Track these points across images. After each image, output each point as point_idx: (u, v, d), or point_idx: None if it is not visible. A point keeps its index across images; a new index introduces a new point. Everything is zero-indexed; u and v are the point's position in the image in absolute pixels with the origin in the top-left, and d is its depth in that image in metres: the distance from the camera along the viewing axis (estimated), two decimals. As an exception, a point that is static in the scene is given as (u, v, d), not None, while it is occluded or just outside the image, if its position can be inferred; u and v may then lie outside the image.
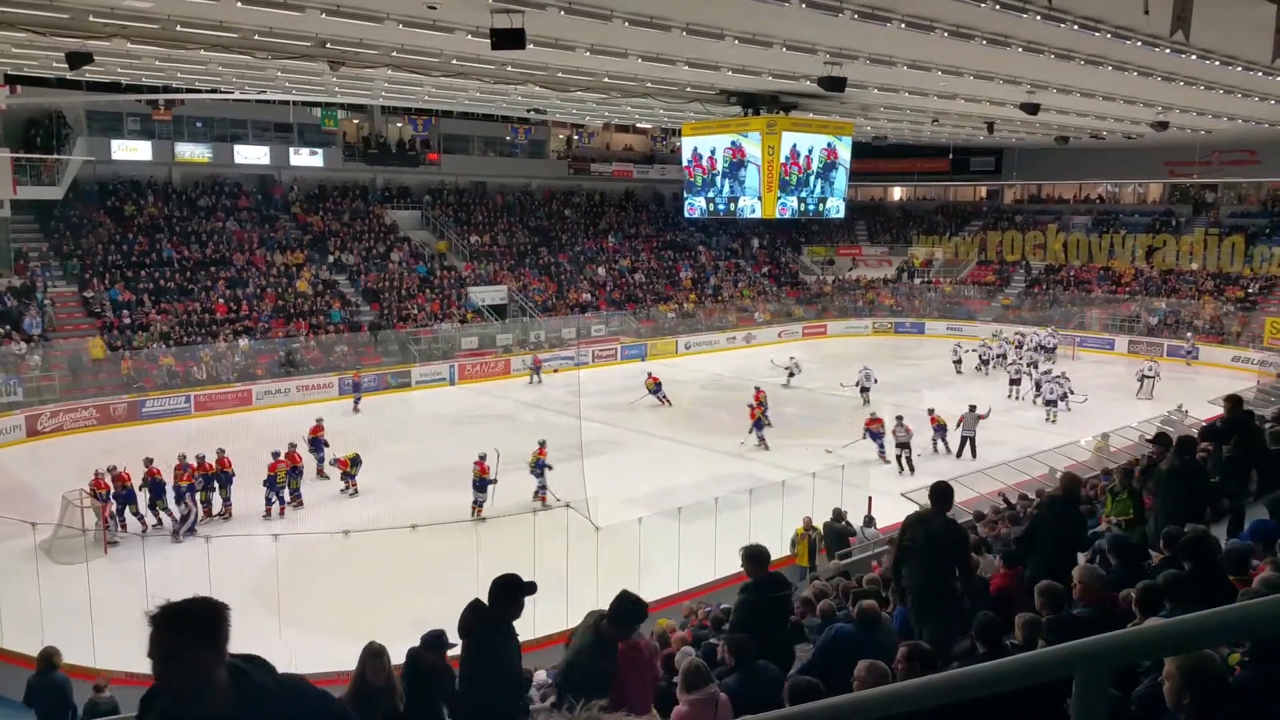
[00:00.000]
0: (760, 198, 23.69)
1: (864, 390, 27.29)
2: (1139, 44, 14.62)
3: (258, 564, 14.17)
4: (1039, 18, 12.98)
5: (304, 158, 36.81)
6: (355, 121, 39.14)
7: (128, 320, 28.36)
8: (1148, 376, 28.20)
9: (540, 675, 8.72)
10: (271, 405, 27.20)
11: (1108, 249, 42.45)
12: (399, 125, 39.65)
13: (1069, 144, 34.99)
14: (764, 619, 5.85)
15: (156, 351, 27.55)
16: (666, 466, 20.94)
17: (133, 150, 32.94)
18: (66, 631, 11.36)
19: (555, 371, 32.55)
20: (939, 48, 15.79)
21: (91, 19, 14.44)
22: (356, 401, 27.70)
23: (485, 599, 4.82)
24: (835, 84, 18.31)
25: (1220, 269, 39.11)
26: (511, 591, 4.63)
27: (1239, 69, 17.30)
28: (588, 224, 44.13)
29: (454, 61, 18.50)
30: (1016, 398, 26.59)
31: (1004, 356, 32.57)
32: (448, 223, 39.43)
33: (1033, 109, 23.23)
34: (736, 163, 23.65)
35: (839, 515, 15.26)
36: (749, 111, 23.52)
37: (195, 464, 17.57)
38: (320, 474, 19.97)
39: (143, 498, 17.11)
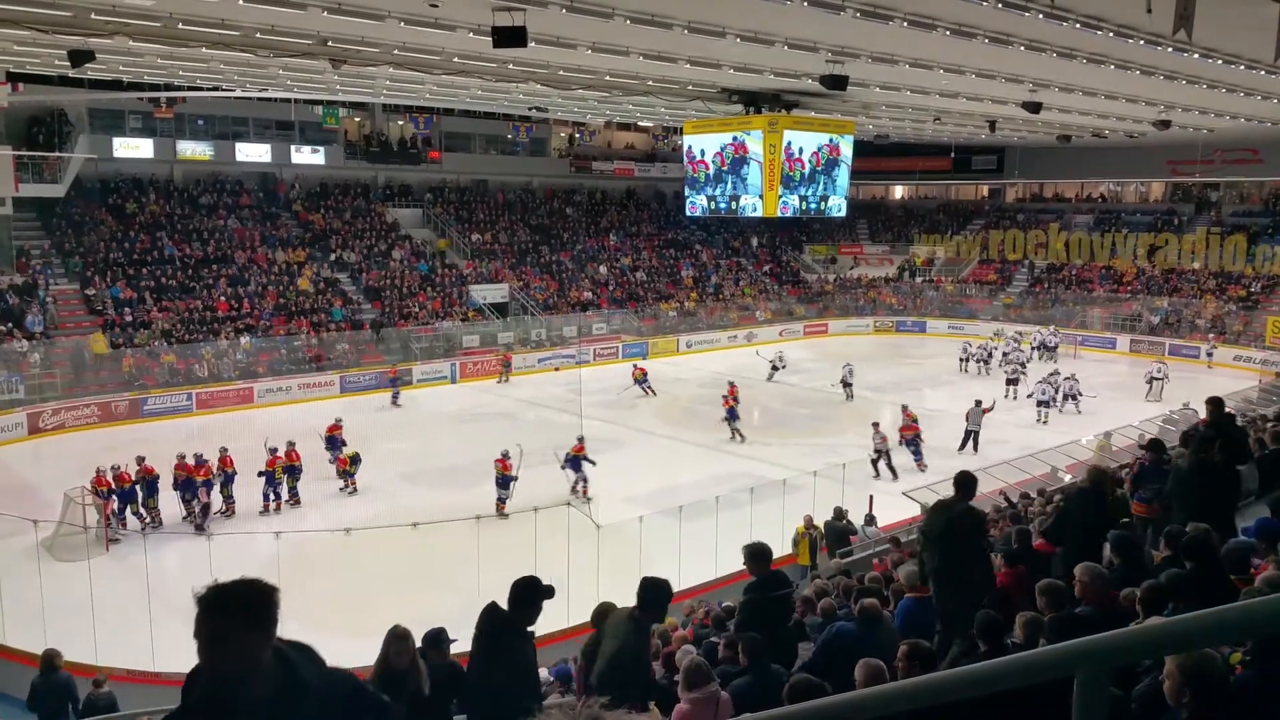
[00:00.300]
0: (762, 196, 23.69)
1: (846, 385, 27.74)
2: (1141, 43, 14.61)
3: (259, 562, 14.16)
4: (1041, 16, 12.98)
5: (305, 155, 36.83)
6: (357, 119, 39.15)
7: (129, 318, 28.38)
8: (1156, 378, 27.88)
9: (542, 673, 8.70)
10: (273, 403, 27.23)
11: (1109, 248, 42.40)
12: (400, 123, 39.66)
13: (1071, 143, 34.98)
14: (767, 617, 5.86)
15: (158, 349, 27.57)
16: (667, 465, 20.95)
17: (134, 148, 32.98)
18: (68, 629, 11.40)
19: (557, 370, 32.57)
20: (941, 46, 15.78)
21: (93, 17, 14.47)
22: (395, 396, 28.00)
23: (488, 599, 4.82)
24: (837, 82, 18.29)
25: (1222, 268, 39.07)
26: (531, 594, 4.65)
27: (1241, 68, 17.29)
28: (589, 222, 44.13)
29: (455, 59, 18.51)
30: (1014, 398, 26.51)
31: (989, 358, 32.32)
32: (449, 221, 39.44)
33: (1035, 108, 23.20)
34: (739, 159, 23.64)
35: (840, 514, 15.25)
36: (751, 110, 23.52)
37: (194, 464, 17.56)
38: (339, 474, 19.92)
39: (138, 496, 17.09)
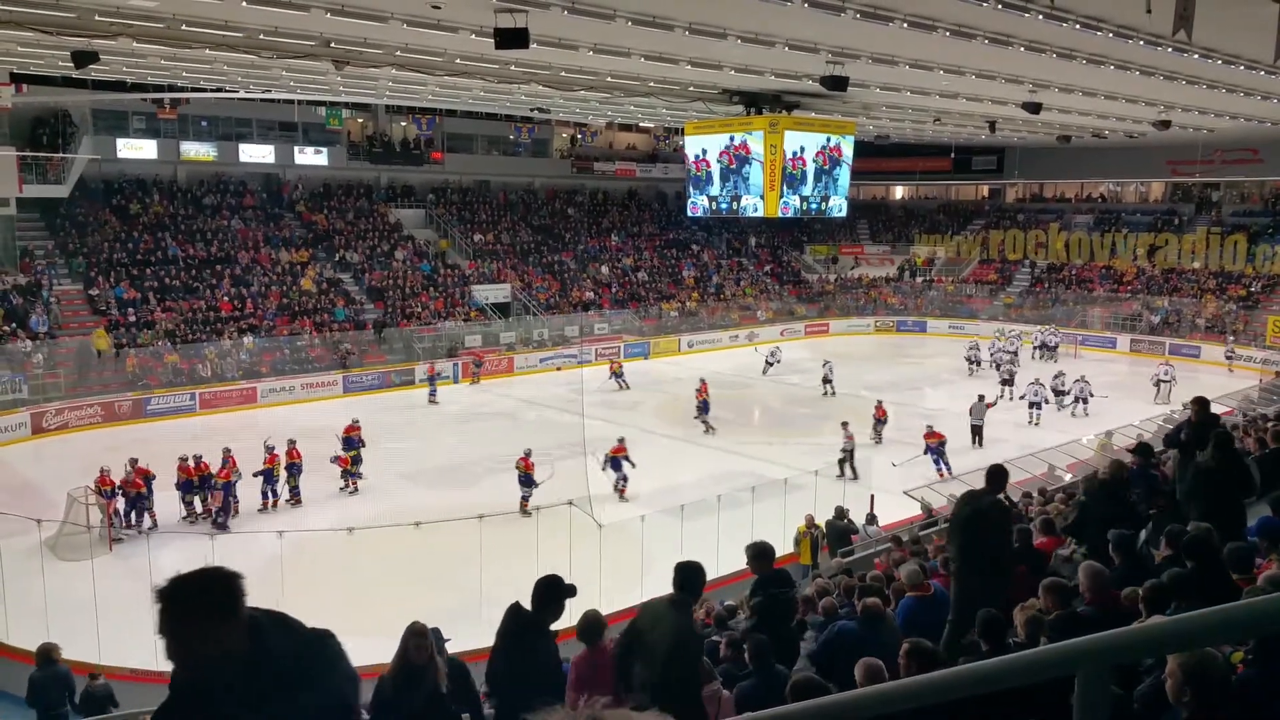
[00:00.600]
0: (763, 196, 23.71)
1: (826, 381, 28.36)
2: (1141, 43, 14.62)
3: (261, 561, 14.21)
4: (1041, 17, 12.99)
5: (309, 156, 36.87)
6: (360, 120, 39.18)
7: (133, 318, 28.43)
8: (1164, 381, 27.56)
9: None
10: (276, 403, 27.27)
11: (1109, 248, 42.41)
12: (403, 124, 39.69)
13: (1071, 143, 34.98)
14: (775, 616, 5.92)
15: (161, 349, 27.62)
16: (669, 464, 20.96)
17: (138, 149, 33.03)
18: (71, 628, 11.44)
19: (559, 370, 32.61)
20: (941, 47, 15.80)
21: (97, 18, 14.50)
22: (433, 393, 28.28)
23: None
24: (837, 83, 18.31)
25: (1222, 268, 39.07)
26: (554, 593, 4.70)
27: (1241, 68, 17.30)
28: (591, 222, 44.16)
29: (458, 61, 18.53)
30: (1009, 398, 26.45)
31: (979, 363, 32.06)
32: (451, 221, 39.47)
33: (1035, 108, 23.21)
34: (741, 159, 23.67)
35: (841, 513, 15.28)
36: (751, 111, 23.53)
37: (193, 465, 17.58)
38: (342, 473, 19.90)
39: (121, 501, 17.08)
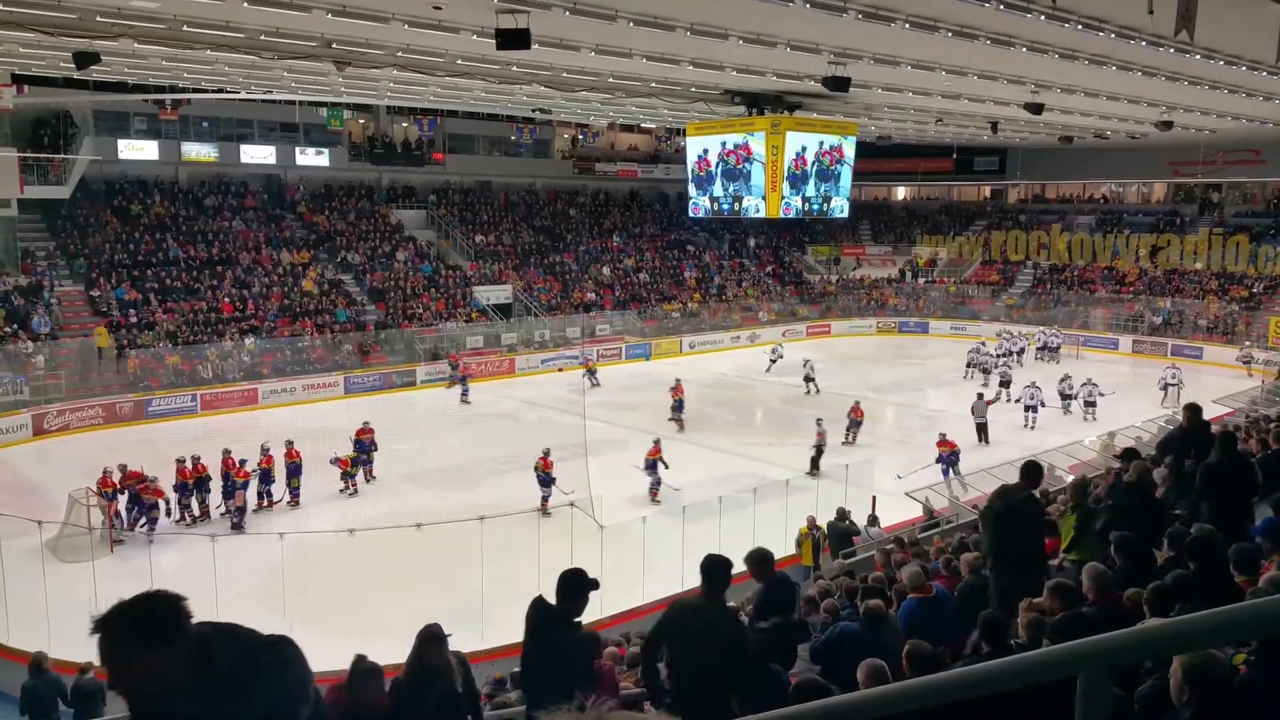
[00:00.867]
0: (764, 197, 23.70)
1: (808, 380, 28.76)
2: (1143, 44, 14.60)
3: (263, 563, 14.22)
4: (1043, 18, 12.98)
5: (310, 157, 36.90)
6: (361, 121, 39.21)
7: (134, 319, 28.44)
8: (1171, 384, 27.13)
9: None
10: (278, 404, 27.28)
11: (1111, 249, 42.39)
12: (404, 125, 39.70)
13: (1073, 144, 34.94)
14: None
15: (163, 350, 27.63)
16: (670, 465, 20.94)
17: (139, 150, 33.06)
18: (71, 630, 11.33)
19: (560, 370, 32.61)
20: (943, 48, 15.79)
21: (98, 19, 14.51)
22: (465, 393, 28.58)
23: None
24: (839, 84, 18.31)
25: (1224, 269, 39.04)
26: (578, 586, 4.73)
27: (1243, 69, 17.28)
28: (592, 223, 44.17)
29: (459, 61, 18.54)
30: (1007, 400, 26.39)
31: (976, 366, 31.35)
32: (453, 222, 39.48)
33: (1037, 109, 23.21)
34: (742, 160, 23.67)
35: (843, 514, 15.26)
36: (753, 111, 23.53)
37: (191, 466, 17.58)
38: (368, 476, 19.90)
39: (122, 500, 17.08)
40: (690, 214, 28.14)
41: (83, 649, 10.75)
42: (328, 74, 19.53)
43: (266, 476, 18.08)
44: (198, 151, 34.41)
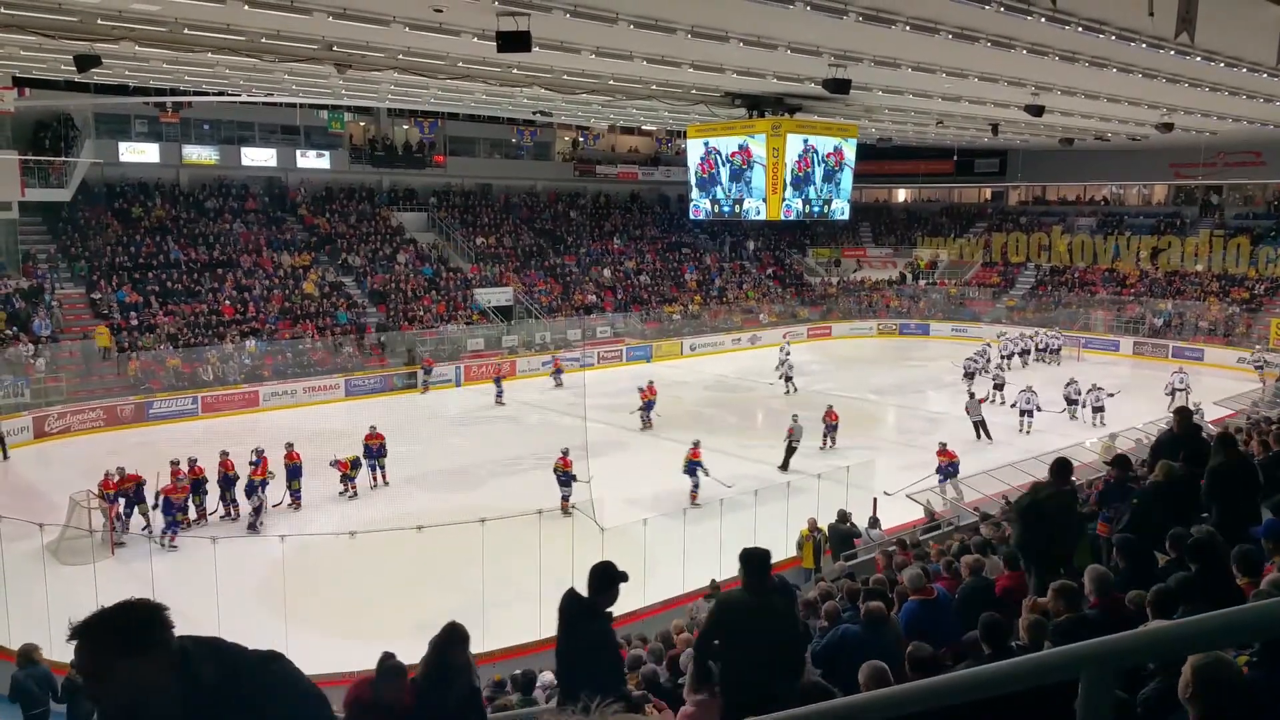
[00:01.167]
0: (765, 199, 23.70)
1: (787, 380, 29.05)
2: (1144, 46, 14.60)
3: (264, 565, 14.23)
4: (1043, 20, 12.98)
5: (311, 160, 36.93)
6: (362, 124, 39.22)
7: (135, 322, 28.45)
8: (1178, 389, 26.49)
9: (547, 676, 8.72)
10: (279, 407, 27.29)
11: (1112, 250, 42.37)
12: (405, 128, 39.71)
13: (1073, 145, 34.94)
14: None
15: (164, 353, 27.64)
16: (671, 467, 20.91)
17: (140, 152, 33.09)
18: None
19: (561, 372, 32.58)
20: (943, 50, 15.78)
21: (99, 22, 14.53)
22: (499, 394, 28.98)
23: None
24: (840, 86, 18.31)
25: (1225, 270, 39.01)
26: (608, 579, 4.85)
27: (1244, 71, 17.27)
28: (593, 226, 44.19)
29: (460, 64, 18.55)
30: (1001, 402, 26.30)
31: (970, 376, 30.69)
32: (454, 225, 39.50)
33: (1037, 111, 23.20)
34: (743, 162, 23.68)
35: (844, 517, 15.25)
36: (754, 114, 23.52)
37: (186, 468, 17.55)
38: (378, 481, 19.87)
39: (120, 504, 17.04)
40: (691, 216, 28.15)
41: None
42: (328, 76, 19.55)
43: (262, 482, 17.97)
44: (199, 154, 34.45)
